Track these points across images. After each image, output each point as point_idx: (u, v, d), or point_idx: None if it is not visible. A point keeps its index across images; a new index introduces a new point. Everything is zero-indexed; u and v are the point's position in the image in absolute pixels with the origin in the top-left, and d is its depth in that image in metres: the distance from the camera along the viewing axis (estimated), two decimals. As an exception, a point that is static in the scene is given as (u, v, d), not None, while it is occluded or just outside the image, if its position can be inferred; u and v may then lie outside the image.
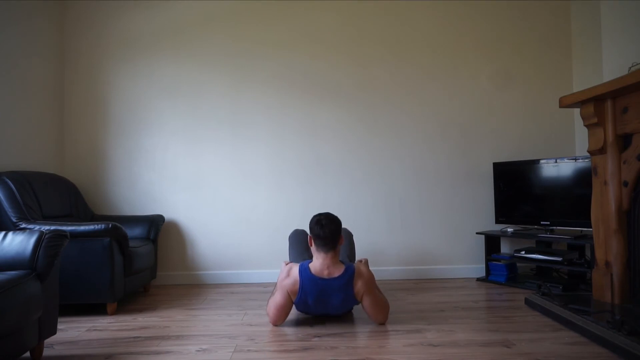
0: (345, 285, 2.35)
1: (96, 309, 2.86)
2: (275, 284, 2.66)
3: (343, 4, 3.75)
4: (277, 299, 2.41)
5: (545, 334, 2.26)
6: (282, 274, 2.44)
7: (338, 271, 2.36)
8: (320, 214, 2.44)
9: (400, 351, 2.05)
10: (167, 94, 3.69)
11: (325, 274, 2.35)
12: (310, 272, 2.35)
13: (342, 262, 2.44)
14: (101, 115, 3.68)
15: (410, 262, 3.71)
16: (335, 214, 3.64)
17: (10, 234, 1.97)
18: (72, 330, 2.45)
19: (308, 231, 3.20)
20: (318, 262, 2.36)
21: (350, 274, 2.36)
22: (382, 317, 2.44)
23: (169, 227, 3.66)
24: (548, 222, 3.32)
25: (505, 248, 3.73)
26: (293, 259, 2.91)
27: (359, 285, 2.36)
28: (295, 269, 2.39)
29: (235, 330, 2.41)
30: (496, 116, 3.76)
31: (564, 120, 3.76)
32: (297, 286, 2.35)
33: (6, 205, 2.70)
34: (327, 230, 2.34)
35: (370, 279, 2.41)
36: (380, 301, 2.44)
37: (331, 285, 2.34)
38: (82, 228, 2.69)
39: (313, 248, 2.42)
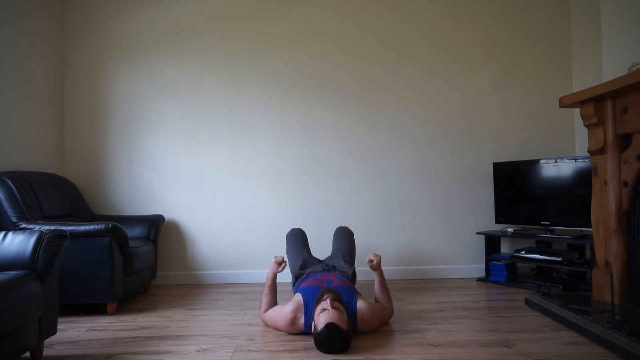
0: None
1: (96, 309, 2.86)
2: (265, 284, 2.51)
3: (343, 3, 3.75)
4: (276, 325, 2.36)
5: (545, 334, 2.26)
6: (286, 312, 2.28)
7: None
8: (327, 347, 2.03)
9: (400, 351, 2.05)
10: (167, 94, 3.69)
11: None
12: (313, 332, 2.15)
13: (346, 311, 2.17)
14: (101, 115, 3.68)
15: (410, 262, 3.70)
16: (335, 214, 3.68)
17: (10, 234, 1.97)
18: (72, 330, 2.45)
19: (305, 231, 3.21)
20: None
21: (355, 328, 2.23)
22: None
23: (169, 227, 3.66)
24: (548, 222, 3.32)
25: (505, 248, 3.73)
26: (291, 259, 2.91)
27: (363, 329, 2.29)
28: (301, 321, 2.25)
29: (235, 330, 2.41)
30: (496, 116, 3.76)
31: (564, 120, 3.76)
32: (300, 331, 2.28)
33: (6, 205, 2.70)
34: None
35: (373, 320, 2.32)
36: (381, 322, 2.41)
37: None
38: (82, 228, 2.69)
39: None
